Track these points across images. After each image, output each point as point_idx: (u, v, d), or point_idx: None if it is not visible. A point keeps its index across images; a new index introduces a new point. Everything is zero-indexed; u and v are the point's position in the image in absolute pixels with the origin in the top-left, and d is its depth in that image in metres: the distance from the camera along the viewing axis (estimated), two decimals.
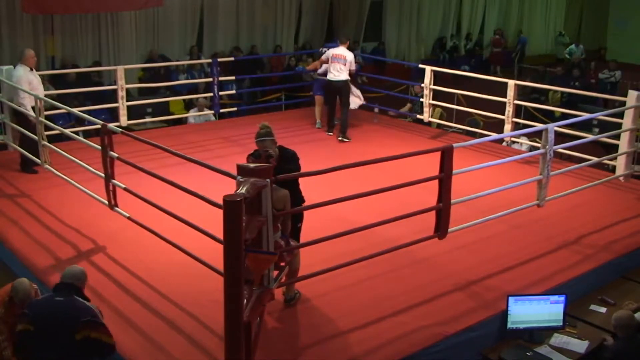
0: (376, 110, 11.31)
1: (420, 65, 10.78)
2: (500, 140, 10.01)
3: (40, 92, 8.01)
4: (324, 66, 9.99)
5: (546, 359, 5.07)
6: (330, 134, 10.04)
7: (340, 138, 9.76)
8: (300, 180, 5.22)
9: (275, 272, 4.76)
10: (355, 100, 10.26)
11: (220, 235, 3.92)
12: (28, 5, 10.77)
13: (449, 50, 20.12)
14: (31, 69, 8.03)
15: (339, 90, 9.82)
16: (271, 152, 4.79)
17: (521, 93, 11.22)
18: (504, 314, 5.24)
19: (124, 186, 6.00)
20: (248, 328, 4.01)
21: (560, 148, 7.37)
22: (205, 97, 11.19)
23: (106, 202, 6.22)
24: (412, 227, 5.75)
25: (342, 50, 9.77)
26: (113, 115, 10.33)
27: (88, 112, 8.38)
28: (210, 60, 11.25)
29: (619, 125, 8.11)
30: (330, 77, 9.78)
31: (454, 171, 5.46)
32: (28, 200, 7.23)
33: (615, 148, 8.39)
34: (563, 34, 21.10)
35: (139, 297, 5.24)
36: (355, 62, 10.14)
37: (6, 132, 8.67)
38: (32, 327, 4.15)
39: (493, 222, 6.36)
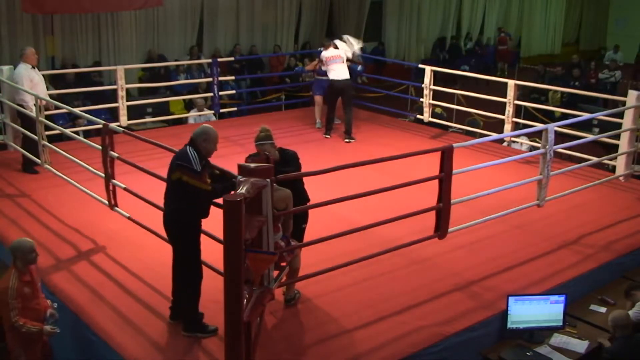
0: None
1: (420, 65, 10.78)
2: (501, 140, 10.01)
3: (42, 89, 8.01)
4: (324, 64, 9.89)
5: (546, 359, 5.07)
6: (327, 136, 9.91)
7: (346, 140, 9.68)
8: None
9: (276, 272, 4.76)
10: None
11: (220, 235, 3.93)
12: (28, 5, 10.77)
13: (449, 50, 20.11)
14: (33, 67, 8.02)
15: (341, 91, 9.73)
16: (270, 152, 4.82)
17: (521, 93, 11.20)
18: (504, 314, 5.24)
19: (124, 186, 6.01)
20: (248, 328, 4.01)
21: (560, 148, 7.37)
22: (205, 98, 11.19)
23: (106, 202, 6.23)
24: (412, 227, 5.75)
25: (333, 52, 9.69)
26: (113, 115, 10.32)
27: (88, 112, 8.39)
28: (210, 60, 11.25)
29: (619, 125, 8.11)
30: (333, 77, 9.65)
31: (454, 171, 5.47)
32: (28, 200, 7.23)
33: (615, 148, 8.38)
34: None
35: (139, 297, 5.23)
36: (357, 62, 10.08)
37: (6, 132, 8.66)
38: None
39: (493, 222, 6.36)
